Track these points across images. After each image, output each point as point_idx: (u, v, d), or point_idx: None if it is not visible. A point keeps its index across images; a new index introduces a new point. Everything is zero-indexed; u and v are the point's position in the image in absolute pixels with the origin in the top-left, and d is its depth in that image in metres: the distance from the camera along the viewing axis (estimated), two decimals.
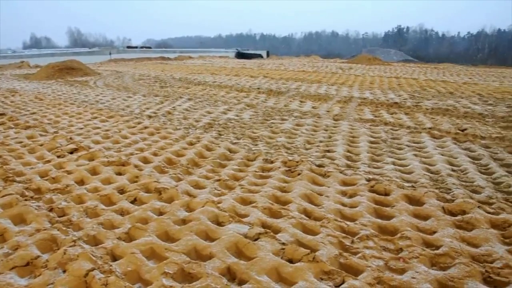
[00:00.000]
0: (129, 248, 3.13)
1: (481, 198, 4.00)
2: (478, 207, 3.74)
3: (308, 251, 3.04)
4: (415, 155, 5.40)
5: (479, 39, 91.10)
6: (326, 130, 6.80)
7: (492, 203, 3.88)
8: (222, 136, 6.34)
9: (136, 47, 39.52)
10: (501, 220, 3.53)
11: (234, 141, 6.09)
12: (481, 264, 2.91)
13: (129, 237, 3.36)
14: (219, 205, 3.85)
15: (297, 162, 4.98)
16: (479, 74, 18.81)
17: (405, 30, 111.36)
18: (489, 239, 3.25)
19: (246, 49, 44.70)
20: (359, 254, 3.06)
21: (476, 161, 5.21)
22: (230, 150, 5.68)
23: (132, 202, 4.03)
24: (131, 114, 8.23)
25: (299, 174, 4.62)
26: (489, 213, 3.68)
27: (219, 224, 3.56)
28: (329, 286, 2.70)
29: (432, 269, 2.89)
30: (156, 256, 3.12)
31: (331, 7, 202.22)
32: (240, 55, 38.49)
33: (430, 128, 6.90)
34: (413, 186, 4.26)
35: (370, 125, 7.16)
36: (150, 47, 43.80)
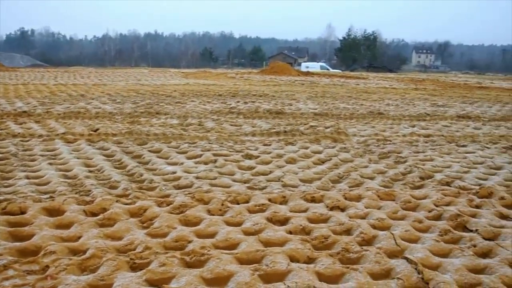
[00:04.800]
0: None
1: (118, 192, 4.21)
2: (117, 201, 3.90)
3: None
4: (51, 163, 5.19)
5: (105, 41, 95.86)
6: None
7: (128, 194, 4.14)
8: None
9: None
10: (138, 208, 3.80)
11: None
12: (126, 254, 3.03)
13: None
14: None
15: None
16: (108, 75, 19.80)
17: (30, 33, 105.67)
18: (130, 229, 3.44)
19: None
20: None
21: (110, 158, 5.46)
22: None
23: None
24: None
25: None
26: (126, 204, 3.89)
27: None
28: None
29: (83, 276, 2.83)
30: None
31: None
32: None
33: (63, 133, 6.77)
34: (51, 197, 4.07)
35: None
36: None
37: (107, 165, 5.10)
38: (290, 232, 3.45)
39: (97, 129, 6.97)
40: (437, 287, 2.72)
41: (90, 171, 4.92)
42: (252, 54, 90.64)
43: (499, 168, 5.73)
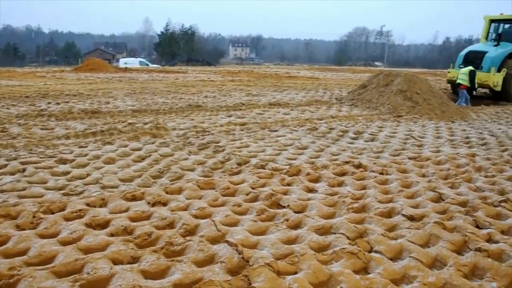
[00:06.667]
0: None
1: None
2: None
3: None
4: None
5: None
6: None
7: None
8: None
9: None
10: None
11: None
12: None
13: None
14: None
15: None
16: None
17: None
18: None
19: None
20: None
21: None
22: None
23: None
24: None
25: None
26: None
27: None
28: None
29: None
30: None
31: None
32: None
33: None
34: None
35: None
36: None
37: None
38: (112, 235, 3.34)
39: None
40: (256, 263, 2.92)
41: None
42: (65, 51, 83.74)
43: (305, 148, 6.41)
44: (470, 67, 13.62)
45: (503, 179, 5.25)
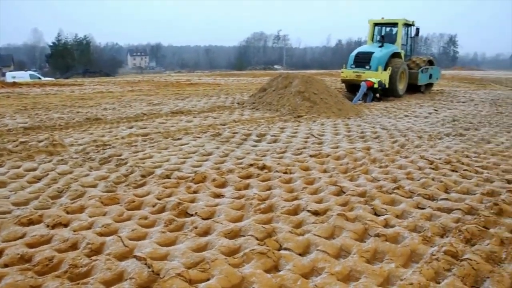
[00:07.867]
0: None
1: None
2: None
3: None
4: None
5: None
6: None
7: None
8: None
9: None
10: None
11: None
12: None
13: None
14: None
15: None
16: None
17: None
18: None
19: None
20: None
21: None
22: None
23: None
24: None
25: None
26: None
27: None
28: None
29: None
30: None
31: None
32: None
33: None
34: None
35: None
36: None
37: None
38: (6, 265, 3.07)
39: None
40: (167, 275, 2.87)
41: None
42: None
43: (210, 154, 6.41)
44: (380, 80, 14.68)
45: (395, 168, 5.69)
